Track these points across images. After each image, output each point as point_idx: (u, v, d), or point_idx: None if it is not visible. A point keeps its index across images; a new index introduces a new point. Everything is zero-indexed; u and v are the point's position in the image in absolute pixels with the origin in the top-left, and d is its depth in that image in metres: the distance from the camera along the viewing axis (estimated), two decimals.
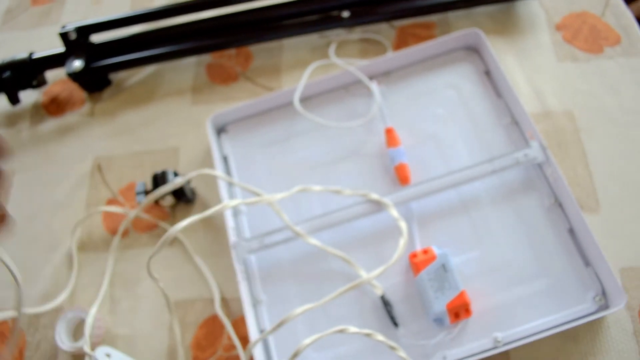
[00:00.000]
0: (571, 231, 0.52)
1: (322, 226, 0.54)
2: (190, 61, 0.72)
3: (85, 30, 0.70)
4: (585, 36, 0.63)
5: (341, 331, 0.45)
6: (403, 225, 0.51)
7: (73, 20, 0.80)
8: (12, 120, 0.75)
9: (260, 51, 0.70)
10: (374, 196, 0.53)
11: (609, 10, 0.64)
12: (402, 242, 0.50)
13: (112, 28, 0.70)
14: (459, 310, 0.48)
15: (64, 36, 0.69)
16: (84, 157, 0.68)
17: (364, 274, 0.52)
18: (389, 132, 0.58)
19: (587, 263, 0.50)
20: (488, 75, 0.61)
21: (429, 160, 0.57)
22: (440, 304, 0.48)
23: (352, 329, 0.45)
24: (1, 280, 0.61)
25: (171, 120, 0.68)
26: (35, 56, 0.71)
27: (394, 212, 0.52)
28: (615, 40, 0.62)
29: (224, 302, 0.56)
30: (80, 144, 0.70)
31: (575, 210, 0.50)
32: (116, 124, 0.70)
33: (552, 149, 0.56)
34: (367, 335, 0.45)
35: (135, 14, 0.69)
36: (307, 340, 0.43)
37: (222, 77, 0.69)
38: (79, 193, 0.66)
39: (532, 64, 0.62)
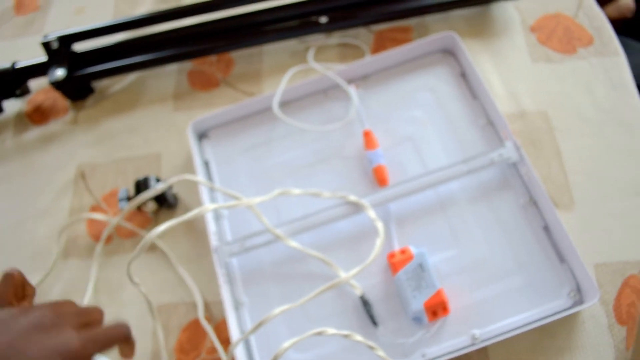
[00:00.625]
0: (546, 228, 0.53)
1: (302, 228, 0.55)
2: (171, 68, 0.72)
3: (67, 40, 0.70)
4: (559, 37, 0.64)
5: (319, 333, 0.45)
6: (380, 225, 0.52)
7: (56, 30, 0.80)
8: None
9: (241, 57, 0.71)
10: (352, 198, 0.54)
11: (582, 12, 0.65)
12: (379, 242, 0.51)
13: (94, 37, 0.70)
14: (437, 309, 0.49)
15: (46, 45, 0.70)
16: (68, 165, 0.69)
17: (343, 274, 0.53)
18: (366, 134, 0.59)
19: (561, 260, 0.51)
20: (464, 77, 0.62)
21: (406, 162, 0.58)
22: (418, 303, 0.49)
23: (331, 330, 0.46)
24: None
25: (153, 127, 0.68)
26: (18, 65, 0.72)
27: (372, 213, 0.53)
28: (588, 41, 0.63)
29: (207, 305, 0.56)
30: (64, 152, 0.70)
31: (549, 208, 0.51)
32: (99, 131, 0.70)
33: (526, 148, 0.57)
34: (346, 336, 0.46)
35: (116, 23, 0.70)
36: (286, 344, 0.44)
37: (203, 84, 0.70)
38: (62, 201, 0.67)
39: (507, 65, 0.63)
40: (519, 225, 0.53)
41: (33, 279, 0.62)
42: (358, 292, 0.52)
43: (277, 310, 0.45)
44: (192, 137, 0.62)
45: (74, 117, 0.72)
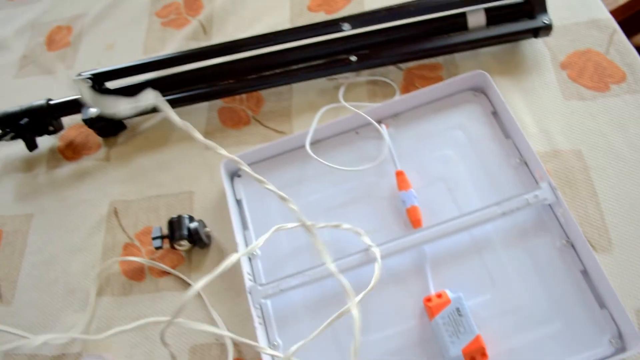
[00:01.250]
0: (584, 272, 0.52)
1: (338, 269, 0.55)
2: (202, 105, 0.73)
3: (100, 77, 0.71)
4: (590, 74, 0.63)
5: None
6: (375, 277, 0.51)
7: (87, 65, 0.82)
8: (29, 165, 0.76)
9: (270, 95, 0.72)
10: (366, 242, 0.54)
11: (613, 48, 0.65)
12: (377, 268, 0.50)
13: (127, 75, 0.71)
14: (475, 355, 0.49)
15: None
16: (101, 202, 0.70)
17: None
18: (399, 175, 0.59)
19: (601, 305, 0.50)
20: (495, 115, 0.61)
21: (439, 202, 0.58)
22: (456, 349, 0.48)
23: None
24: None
25: (185, 165, 0.69)
26: (52, 102, 0.73)
27: (378, 267, 0.53)
28: (621, 78, 0.63)
29: (240, 346, 0.56)
30: (96, 188, 0.71)
31: (587, 251, 0.51)
32: (131, 168, 0.71)
33: (561, 188, 0.57)
34: None
35: (148, 61, 0.71)
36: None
37: (234, 121, 0.71)
38: (95, 237, 0.67)
39: (539, 103, 0.63)
40: (556, 268, 0.53)
41: (66, 316, 0.63)
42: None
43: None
44: (224, 176, 0.62)
45: (106, 154, 0.73)
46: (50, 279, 0.66)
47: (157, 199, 0.68)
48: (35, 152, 0.76)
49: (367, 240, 0.54)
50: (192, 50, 0.71)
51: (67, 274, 0.66)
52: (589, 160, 0.58)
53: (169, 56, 0.70)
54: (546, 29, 0.63)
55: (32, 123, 0.73)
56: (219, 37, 0.79)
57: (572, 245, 0.53)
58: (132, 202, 0.68)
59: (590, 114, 0.61)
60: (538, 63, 0.65)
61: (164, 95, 0.70)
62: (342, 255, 0.55)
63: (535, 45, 0.66)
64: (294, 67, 0.69)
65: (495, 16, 0.65)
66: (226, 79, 0.70)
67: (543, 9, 0.63)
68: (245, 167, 0.51)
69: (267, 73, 0.69)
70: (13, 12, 0.97)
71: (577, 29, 0.66)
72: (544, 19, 0.62)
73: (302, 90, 0.71)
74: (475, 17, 0.64)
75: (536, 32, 0.63)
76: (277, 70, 0.69)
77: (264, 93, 0.72)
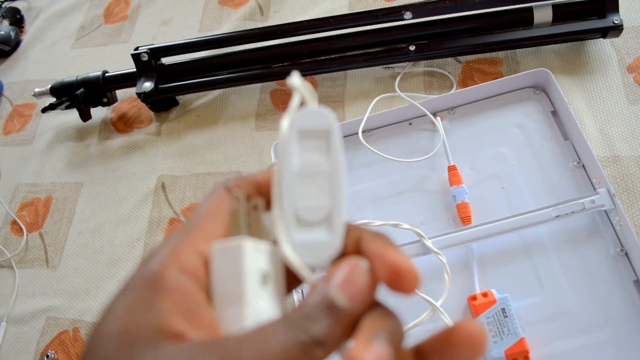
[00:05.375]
0: (637, 282, 0.50)
1: None
2: (255, 86, 0.73)
3: (156, 53, 0.72)
4: None
5: None
6: (447, 276, 0.51)
7: (143, 39, 0.83)
8: (82, 135, 0.78)
9: (324, 79, 0.71)
10: (427, 243, 0.53)
11: None
12: (447, 279, 0.49)
13: (183, 52, 0.72)
14: (518, 357, 0.48)
15: (135, 57, 0.72)
16: (149, 175, 0.71)
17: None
18: (451, 169, 0.58)
19: None
20: (555, 115, 0.60)
21: (491, 200, 0.57)
22: (498, 350, 0.48)
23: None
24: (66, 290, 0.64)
25: (235, 144, 0.69)
26: (108, 75, 0.74)
27: (443, 259, 0.52)
28: None
29: None
30: (146, 162, 0.72)
31: None
32: (181, 144, 0.72)
33: (619, 195, 0.55)
34: None
35: (205, 39, 0.71)
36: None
37: (285, 104, 0.71)
38: (142, 210, 0.68)
39: (602, 106, 0.60)
40: (608, 276, 0.51)
41: (110, 285, 0.64)
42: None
43: None
44: (274, 159, 0.62)
45: (157, 129, 0.74)
46: (96, 248, 0.68)
47: (204, 176, 0.68)
48: (89, 122, 0.78)
49: (430, 244, 0.53)
50: (249, 30, 0.71)
51: (113, 244, 0.67)
52: None
53: (226, 35, 0.71)
54: (616, 30, 0.60)
55: (87, 94, 0.74)
56: (275, 19, 0.79)
57: (627, 254, 0.52)
58: (180, 177, 0.69)
59: None
60: (603, 64, 0.63)
61: (218, 74, 0.71)
62: None
63: (601, 45, 0.64)
64: (350, 53, 0.68)
65: (562, 13, 0.62)
66: (281, 61, 0.70)
67: (615, 8, 0.60)
68: None
69: (323, 58, 0.68)
70: None
71: None
72: (614, 19, 0.60)
73: (357, 77, 0.70)
74: (542, 12, 0.62)
75: (605, 32, 0.61)
76: (333, 56, 0.68)
77: (318, 78, 0.71)
